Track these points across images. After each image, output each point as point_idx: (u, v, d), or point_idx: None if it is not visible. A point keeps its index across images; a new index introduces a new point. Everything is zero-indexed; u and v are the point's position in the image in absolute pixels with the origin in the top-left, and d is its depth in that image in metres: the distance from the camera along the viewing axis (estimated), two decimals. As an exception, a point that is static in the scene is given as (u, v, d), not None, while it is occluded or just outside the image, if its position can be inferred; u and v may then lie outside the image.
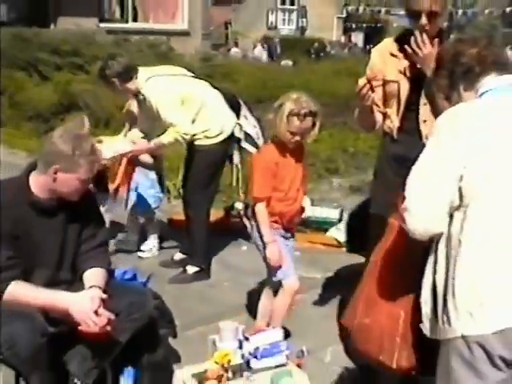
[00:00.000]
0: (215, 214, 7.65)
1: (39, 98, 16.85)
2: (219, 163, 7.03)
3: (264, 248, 5.29)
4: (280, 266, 5.23)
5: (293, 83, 18.35)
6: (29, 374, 4.53)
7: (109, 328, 4.35)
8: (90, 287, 4.48)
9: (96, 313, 4.30)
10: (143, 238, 7.82)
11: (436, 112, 3.43)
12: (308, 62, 32.38)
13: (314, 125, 5.01)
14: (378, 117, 4.65)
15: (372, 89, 4.40)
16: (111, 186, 6.74)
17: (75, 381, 4.76)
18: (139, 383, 4.93)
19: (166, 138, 6.58)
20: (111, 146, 6.92)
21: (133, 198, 7.54)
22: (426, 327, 3.16)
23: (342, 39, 50.21)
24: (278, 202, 5.14)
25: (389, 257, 3.51)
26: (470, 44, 3.23)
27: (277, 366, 4.70)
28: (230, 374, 4.56)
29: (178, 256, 7.38)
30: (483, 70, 3.14)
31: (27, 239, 4.46)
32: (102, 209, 5.55)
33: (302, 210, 5.44)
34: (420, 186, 2.96)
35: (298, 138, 4.99)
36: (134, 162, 7.30)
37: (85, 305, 4.30)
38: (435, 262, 3.05)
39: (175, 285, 6.73)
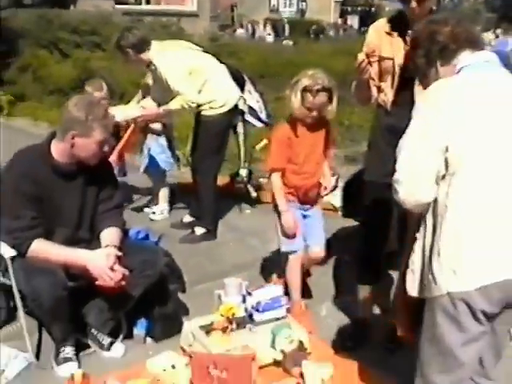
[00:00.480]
0: (221, 180, 7.60)
1: (60, 74, 16.83)
2: (224, 133, 7.00)
3: (279, 218, 5.15)
4: (294, 236, 5.11)
5: (293, 61, 18.29)
6: (50, 324, 4.56)
7: (123, 283, 4.38)
8: (106, 245, 4.50)
9: (112, 269, 4.33)
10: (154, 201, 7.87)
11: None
12: (307, 42, 32.13)
13: (330, 100, 4.85)
14: (374, 91, 4.61)
15: (370, 63, 4.38)
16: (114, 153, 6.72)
17: (92, 331, 4.78)
18: (151, 333, 4.95)
19: (174, 105, 6.56)
20: (123, 111, 7.00)
21: (145, 161, 7.58)
22: (413, 288, 3.16)
23: (339, 21, 49.91)
24: (293, 175, 5.03)
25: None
26: (442, 23, 3.21)
27: (277, 319, 4.71)
28: (234, 326, 4.57)
29: (187, 218, 7.38)
30: (458, 46, 3.13)
31: (49, 201, 4.47)
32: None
33: (320, 185, 5.12)
34: (408, 159, 2.95)
35: (314, 113, 4.83)
36: (145, 129, 7.34)
37: (101, 261, 4.33)
38: (424, 228, 3.05)
39: (184, 244, 6.72)
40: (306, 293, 5.45)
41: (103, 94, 6.98)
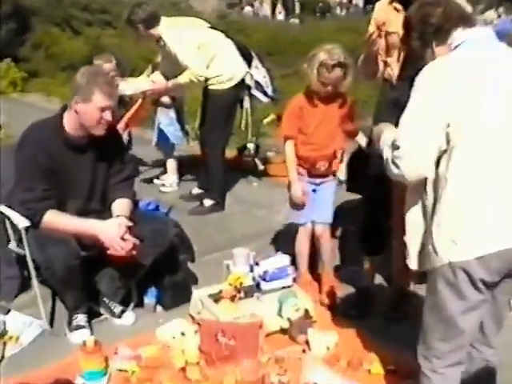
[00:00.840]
0: (229, 153, 7.59)
1: (72, 51, 16.83)
2: (231, 106, 6.98)
3: (289, 189, 5.09)
4: (303, 206, 5.05)
5: (300, 39, 18.21)
6: (63, 293, 4.57)
7: (134, 252, 4.38)
8: (118, 216, 4.48)
9: (123, 238, 4.31)
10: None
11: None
12: (313, 20, 31.93)
13: (345, 76, 4.74)
14: (381, 65, 4.57)
15: (380, 35, 4.35)
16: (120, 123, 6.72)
17: (104, 299, 4.79)
18: (161, 302, 4.96)
19: (182, 79, 6.54)
20: (133, 84, 7.00)
21: (155, 134, 7.60)
22: (413, 262, 3.15)
23: (344, 0, 49.62)
24: (302, 145, 4.95)
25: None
26: (433, 5, 3.15)
27: (284, 288, 4.72)
28: (242, 295, 4.59)
29: (196, 190, 7.38)
30: (451, 25, 3.08)
31: (62, 173, 4.47)
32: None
33: (330, 159, 5.00)
34: (409, 136, 2.92)
35: (329, 88, 4.75)
36: (155, 103, 7.35)
37: (112, 231, 4.32)
38: (423, 202, 3.04)
39: (193, 216, 6.72)
40: (313, 265, 5.41)
41: (112, 66, 6.96)
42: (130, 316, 4.82)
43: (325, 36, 17.68)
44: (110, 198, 4.69)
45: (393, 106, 4.32)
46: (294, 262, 5.07)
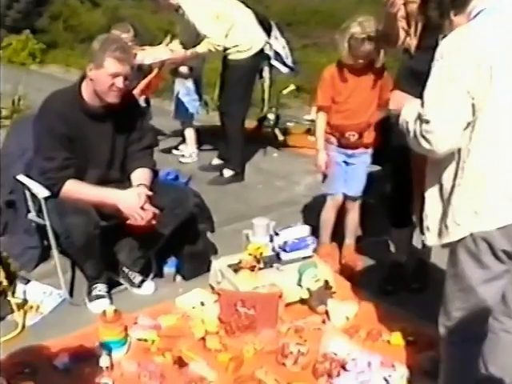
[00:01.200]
0: (249, 124, 7.57)
1: (90, 22, 16.82)
2: (250, 76, 6.97)
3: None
4: (326, 176, 5.08)
5: (319, 9, 18.05)
6: (83, 262, 4.58)
7: (154, 222, 4.37)
8: (138, 185, 4.47)
9: (142, 208, 4.30)
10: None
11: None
12: (333, -8, 31.71)
13: (379, 49, 4.68)
14: (401, 33, 4.51)
15: None
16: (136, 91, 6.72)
17: (124, 269, 4.80)
18: (181, 272, 4.96)
19: (201, 48, 6.54)
20: (152, 53, 6.97)
21: (174, 104, 7.64)
22: (431, 238, 3.12)
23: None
24: (334, 114, 4.92)
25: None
26: None
27: (303, 258, 4.70)
28: (261, 265, 4.58)
29: (216, 161, 7.39)
30: None
31: (81, 142, 4.47)
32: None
33: (361, 130, 4.94)
34: (439, 110, 2.86)
35: (360, 60, 4.70)
36: (174, 73, 7.38)
37: (132, 200, 4.32)
38: (441, 175, 2.99)
39: (213, 186, 6.73)
40: (335, 235, 5.38)
41: (130, 35, 6.93)
42: (149, 286, 4.83)
43: (345, 7, 17.58)
44: (130, 167, 4.67)
45: (411, 76, 4.27)
46: (315, 232, 5.06)
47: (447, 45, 2.90)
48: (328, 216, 5.21)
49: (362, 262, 5.18)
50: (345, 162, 5.03)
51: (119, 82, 4.35)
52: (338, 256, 5.24)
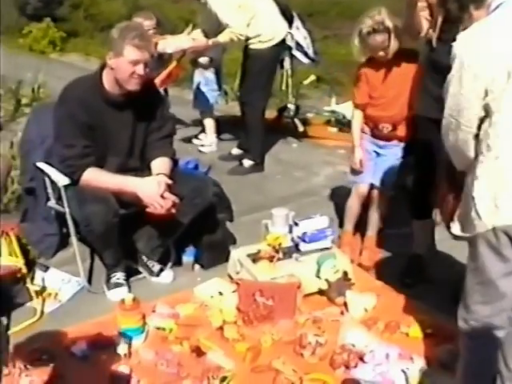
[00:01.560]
0: (269, 114, 7.56)
1: (110, 11, 16.86)
2: (271, 66, 6.96)
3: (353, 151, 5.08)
4: (359, 172, 5.06)
5: (339, 0, 18.00)
6: (102, 250, 4.60)
7: (173, 210, 4.36)
8: (157, 174, 4.47)
9: (162, 196, 4.30)
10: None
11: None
12: (355, -19, 31.59)
13: (389, 40, 4.60)
14: (424, 24, 4.48)
15: None
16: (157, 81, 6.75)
17: (143, 257, 4.81)
18: (199, 261, 4.97)
19: (223, 38, 6.54)
20: (174, 42, 6.96)
21: (193, 94, 7.68)
22: (456, 228, 3.10)
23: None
24: (370, 107, 4.93)
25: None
26: None
27: (322, 249, 4.69)
28: (280, 255, 4.57)
29: (236, 151, 7.39)
30: None
31: (101, 130, 4.47)
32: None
33: (395, 122, 4.89)
34: (454, 101, 2.85)
35: (381, 53, 4.65)
36: (194, 63, 7.40)
37: (152, 188, 4.32)
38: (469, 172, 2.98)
39: (233, 176, 6.73)
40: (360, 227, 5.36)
41: (152, 23, 6.95)
42: (168, 274, 4.84)
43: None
44: (150, 155, 4.67)
45: (432, 68, 4.25)
46: (334, 223, 5.05)
47: (460, 43, 2.86)
48: (352, 205, 5.21)
49: (380, 255, 5.16)
50: (376, 152, 5.02)
51: (140, 70, 4.35)
52: (358, 246, 5.23)
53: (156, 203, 4.30)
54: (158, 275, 4.81)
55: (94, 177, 4.41)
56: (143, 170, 4.60)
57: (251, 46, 6.67)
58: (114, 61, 4.34)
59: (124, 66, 4.32)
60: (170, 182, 4.42)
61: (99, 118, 4.45)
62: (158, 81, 6.61)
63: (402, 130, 4.88)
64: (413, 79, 4.71)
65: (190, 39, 6.96)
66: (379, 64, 4.78)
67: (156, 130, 4.70)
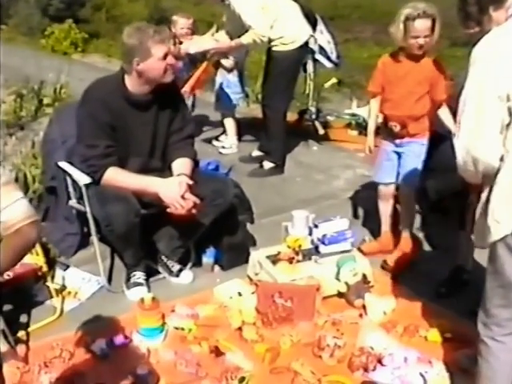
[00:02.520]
0: (290, 117, 7.53)
1: (132, 13, 16.98)
2: (294, 69, 6.94)
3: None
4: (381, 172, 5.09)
5: (361, 4, 17.98)
6: (122, 250, 4.63)
7: (194, 211, 4.37)
8: (178, 175, 4.49)
9: (183, 197, 4.32)
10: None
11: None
12: (376, -14, 31.53)
13: (433, 28, 4.60)
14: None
15: None
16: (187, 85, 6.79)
17: (162, 258, 4.84)
18: (219, 262, 4.99)
19: (246, 39, 6.52)
20: (197, 43, 7.02)
21: (215, 96, 7.71)
22: (478, 237, 3.08)
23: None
24: (383, 102, 4.95)
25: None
26: None
27: (342, 252, 4.70)
28: (300, 257, 4.59)
29: (256, 153, 7.38)
30: None
31: (123, 130, 4.50)
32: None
33: (405, 121, 4.83)
34: (470, 112, 2.80)
35: (419, 40, 4.58)
36: (217, 65, 7.39)
37: (173, 189, 4.33)
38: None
39: (253, 178, 6.73)
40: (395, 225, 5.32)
41: (190, 21, 7.19)
42: (187, 275, 4.86)
43: (386, 1, 17.51)
44: (171, 156, 4.69)
45: None
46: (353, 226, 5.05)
47: (479, 49, 2.84)
48: (381, 206, 5.21)
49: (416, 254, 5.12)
50: (395, 152, 5.00)
51: (171, 60, 4.45)
52: (392, 246, 5.19)
53: (177, 203, 4.31)
54: (177, 275, 4.83)
55: (115, 176, 4.43)
56: (164, 170, 4.62)
57: (274, 48, 6.67)
58: (145, 64, 4.37)
59: (157, 65, 4.38)
60: (190, 182, 4.43)
61: (121, 118, 4.48)
62: (187, 88, 6.68)
63: (415, 128, 4.86)
64: (430, 84, 4.74)
65: (213, 40, 6.99)
66: (401, 59, 4.78)
67: (177, 132, 4.72)
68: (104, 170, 4.41)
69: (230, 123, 7.75)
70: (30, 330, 4.13)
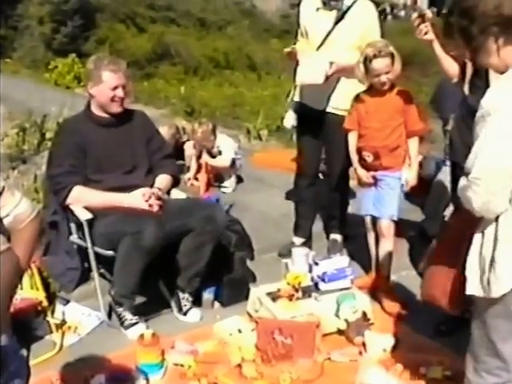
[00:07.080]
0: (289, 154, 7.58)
1: (136, 47, 17.07)
2: None
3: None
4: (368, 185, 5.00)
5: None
6: (127, 274, 4.57)
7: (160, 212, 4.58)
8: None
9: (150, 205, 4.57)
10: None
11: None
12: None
13: (392, 64, 4.69)
14: (455, 67, 4.47)
15: (423, 20, 4.39)
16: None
17: (178, 293, 4.87)
18: (219, 298, 4.99)
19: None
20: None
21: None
22: (472, 289, 2.91)
23: (409, 2, 49.20)
24: (359, 137, 4.96)
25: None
26: None
27: (342, 289, 4.70)
28: (300, 294, 4.59)
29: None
30: None
31: (96, 147, 4.75)
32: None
33: (377, 152, 4.83)
34: (490, 159, 2.59)
35: (382, 78, 4.68)
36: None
37: (136, 199, 4.59)
38: (483, 231, 2.83)
39: (254, 214, 6.73)
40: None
41: (209, 128, 7.56)
42: (195, 313, 4.82)
43: (387, 37, 17.58)
44: (155, 173, 4.94)
45: (467, 114, 4.04)
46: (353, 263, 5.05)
47: (487, 102, 2.66)
48: (368, 238, 5.19)
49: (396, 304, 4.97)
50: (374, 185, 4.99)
51: (120, 93, 4.73)
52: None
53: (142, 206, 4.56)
54: (185, 314, 4.81)
55: (81, 194, 4.62)
56: (145, 186, 4.74)
57: (333, 111, 5.64)
58: (96, 89, 4.70)
59: (105, 92, 4.69)
60: (155, 191, 4.68)
61: (90, 137, 4.75)
62: (202, 190, 7.32)
63: (388, 161, 4.86)
64: (403, 114, 4.82)
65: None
66: (373, 94, 4.86)
67: (157, 151, 5.02)
68: (70, 187, 4.60)
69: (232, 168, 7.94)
70: (29, 364, 4.12)
